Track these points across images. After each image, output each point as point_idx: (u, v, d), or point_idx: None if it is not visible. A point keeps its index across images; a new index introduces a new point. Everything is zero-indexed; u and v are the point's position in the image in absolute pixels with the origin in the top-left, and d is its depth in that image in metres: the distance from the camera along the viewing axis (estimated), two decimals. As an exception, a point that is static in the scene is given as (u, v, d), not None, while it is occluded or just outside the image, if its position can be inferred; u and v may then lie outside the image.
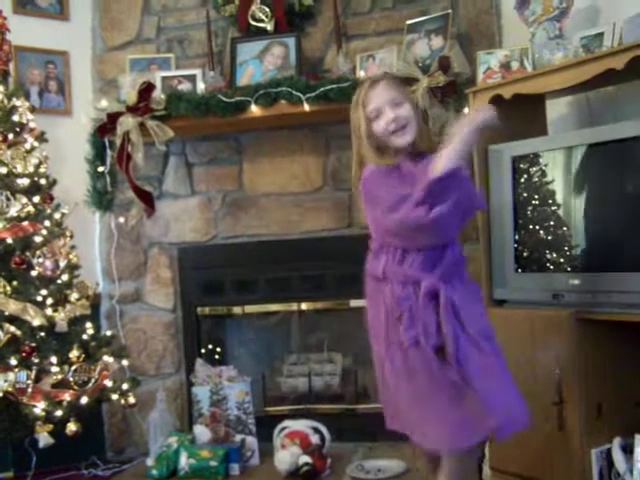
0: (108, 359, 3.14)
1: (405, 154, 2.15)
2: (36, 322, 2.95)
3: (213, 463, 3.16)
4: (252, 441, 3.34)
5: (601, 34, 2.59)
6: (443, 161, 1.98)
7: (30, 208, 3.09)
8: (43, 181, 3.21)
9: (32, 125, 3.26)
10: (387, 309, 2.10)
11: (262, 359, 3.91)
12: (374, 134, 2.15)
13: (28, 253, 3.03)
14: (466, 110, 2.99)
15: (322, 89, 3.22)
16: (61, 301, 3.09)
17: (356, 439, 3.51)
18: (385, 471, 3.09)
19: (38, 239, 3.06)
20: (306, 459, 3.04)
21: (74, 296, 3.15)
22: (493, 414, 1.95)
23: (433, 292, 2.04)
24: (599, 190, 2.48)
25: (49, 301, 3.02)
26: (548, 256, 2.61)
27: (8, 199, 3.05)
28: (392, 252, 2.12)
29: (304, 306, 3.69)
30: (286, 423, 3.28)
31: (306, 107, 3.25)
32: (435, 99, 3.12)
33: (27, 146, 3.19)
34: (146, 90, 3.35)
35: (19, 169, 3.12)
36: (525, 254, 2.68)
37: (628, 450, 2.38)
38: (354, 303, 3.62)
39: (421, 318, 2.03)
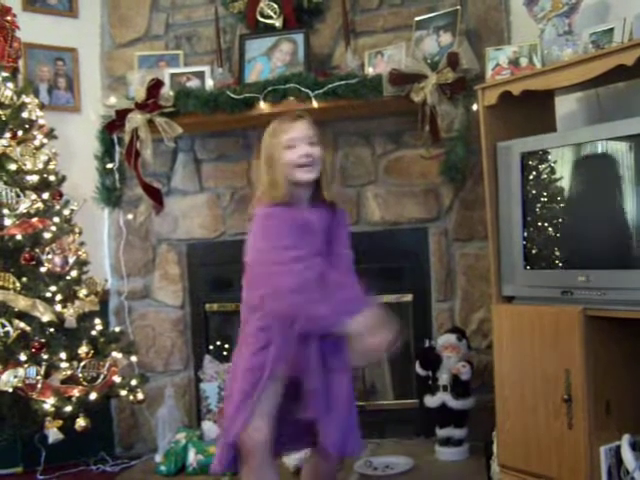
0: (117, 355, 3.16)
1: (303, 197, 2.20)
2: (45, 318, 2.96)
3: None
4: (260, 437, 3.34)
5: (611, 30, 2.57)
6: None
7: (39, 205, 3.10)
8: (52, 178, 3.22)
9: (41, 122, 3.28)
10: None
11: (270, 356, 3.91)
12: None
13: (37, 249, 3.05)
14: (474, 107, 2.98)
15: (330, 86, 3.22)
16: (70, 297, 3.11)
17: (364, 436, 3.49)
18: (393, 467, 3.10)
19: (47, 235, 3.07)
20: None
21: (83, 292, 3.17)
22: None
23: None
24: (608, 187, 2.47)
25: (58, 297, 3.04)
26: (557, 253, 2.61)
27: (18, 196, 3.06)
28: None
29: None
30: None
31: (314, 104, 3.25)
32: (444, 96, 3.11)
33: (36, 143, 3.20)
34: (155, 87, 3.35)
35: (28, 166, 3.13)
36: (534, 251, 2.67)
37: (637, 448, 2.36)
38: (362, 300, 3.62)
39: None
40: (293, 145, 2.15)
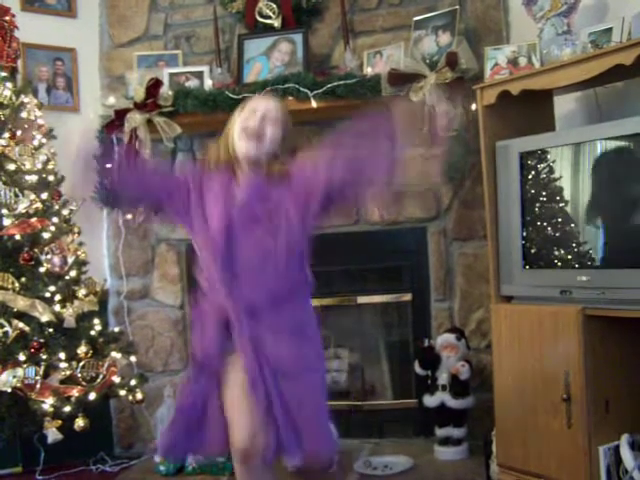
0: (116, 355, 3.16)
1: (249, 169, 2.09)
2: (44, 318, 2.96)
3: (220, 459, 3.16)
4: (259, 437, 3.34)
5: (609, 29, 2.58)
6: None
7: (38, 204, 3.10)
8: (51, 178, 3.22)
9: (40, 122, 3.28)
10: None
11: (269, 355, 3.91)
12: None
13: (36, 249, 3.05)
14: (473, 106, 2.99)
15: (329, 86, 3.22)
16: (69, 297, 3.10)
17: (363, 435, 3.52)
18: (392, 467, 3.10)
19: (46, 235, 3.07)
20: (313, 455, 3.04)
21: (82, 292, 3.16)
22: None
23: None
24: (607, 186, 2.47)
25: (57, 297, 3.04)
26: (556, 252, 2.61)
27: (16, 195, 3.06)
28: None
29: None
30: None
31: (313, 103, 3.25)
32: (443, 95, 3.11)
33: (35, 143, 3.20)
34: (154, 87, 3.35)
35: (27, 166, 3.13)
36: (533, 250, 2.67)
37: (636, 447, 2.37)
38: (361, 300, 3.63)
39: None
40: (250, 115, 2.08)
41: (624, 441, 2.38)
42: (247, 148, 2.07)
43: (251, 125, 2.07)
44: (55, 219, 3.14)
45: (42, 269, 3.04)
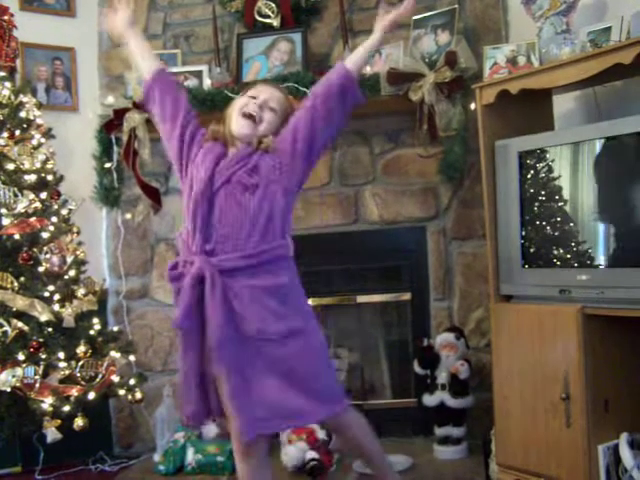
0: (115, 355, 3.16)
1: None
2: (43, 318, 2.96)
3: (220, 458, 3.17)
4: (259, 436, 3.34)
5: (608, 28, 2.57)
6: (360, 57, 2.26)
7: (37, 204, 3.10)
8: (50, 177, 3.22)
9: (39, 121, 3.28)
10: None
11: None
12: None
13: (35, 249, 3.05)
14: (472, 106, 2.99)
15: (328, 85, 3.21)
16: (68, 297, 3.10)
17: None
18: (391, 466, 3.09)
19: (45, 235, 3.07)
20: (313, 454, 3.05)
21: (81, 292, 3.16)
22: None
23: None
24: (606, 185, 2.47)
25: (56, 297, 3.04)
26: (555, 252, 2.61)
27: (15, 195, 3.06)
28: None
29: (310, 302, 3.69)
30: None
31: (312, 103, 3.24)
32: (442, 95, 3.11)
33: (34, 142, 3.20)
34: (152, 86, 3.35)
35: (26, 165, 3.13)
36: (532, 250, 2.67)
37: (635, 446, 2.37)
38: (360, 299, 3.63)
39: None
40: (251, 98, 2.21)
41: (623, 440, 2.38)
42: (242, 128, 2.19)
43: (250, 109, 2.18)
44: (54, 219, 3.14)
45: (41, 269, 3.04)
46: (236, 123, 2.19)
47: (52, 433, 2.86)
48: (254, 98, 2.20)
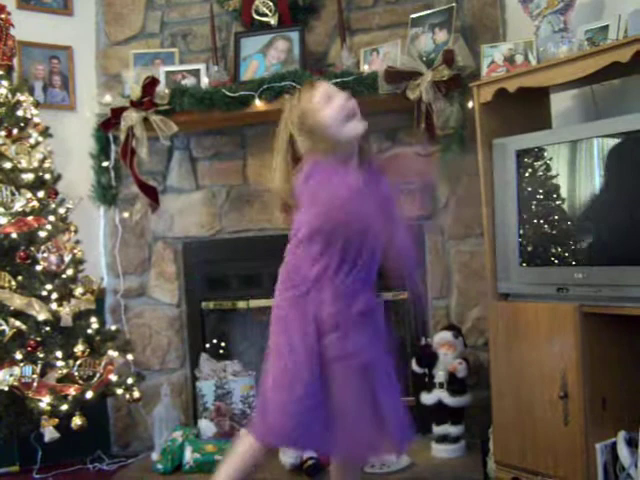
0: (113, 354, 3.15)
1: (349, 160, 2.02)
2: (41, 317, 2.95)
3: (218, 457, 3.16)
4: (257, 435, 3.34)
5: (606, 27, 2.58)
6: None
7: (35, 203, 3.10)
8: (47, 176, 3.21)
9: (36, 120, 3.27)
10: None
11: (267, 354, 3.91)
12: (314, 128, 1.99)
13: (33, 248, 3.04)
14: (470, 104, 2.99)
15: (326, 83, 3.21)
16: (66, 296, 3.10)
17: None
18: (389, 465, 3.09)
19: (43, 234, 3.06)
20: (311, 453, 3.05)
21: (79, 291, 3.16)
22: None
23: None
24: (604, 184, 2.47)
25: (54, 296, 3.03)
26: (552, 250, 2.61)
27: (13, 194, 3.06)
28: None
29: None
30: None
31: (310, 101, 3.24)
32: (439, 93, 3.11)
33: (31, 141, 3.19)
34: (150, 85, 3.35)
35: (23, 164, 3.12)
36: (529, 248, 2.68)
37: (633, 444, 2.37)
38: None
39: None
40: (327, 100, 1.99)
41: (621, 438, 2.39)
42: (358, 127, 2.03)
43: (349, 105, 2.02)
44: (51, 217, 3.14)
45: (39, 268, 3.04)
46: (349, 127, 2.01)
47: (50, 432, 2.86)
48: (326, 101, 2.00)
